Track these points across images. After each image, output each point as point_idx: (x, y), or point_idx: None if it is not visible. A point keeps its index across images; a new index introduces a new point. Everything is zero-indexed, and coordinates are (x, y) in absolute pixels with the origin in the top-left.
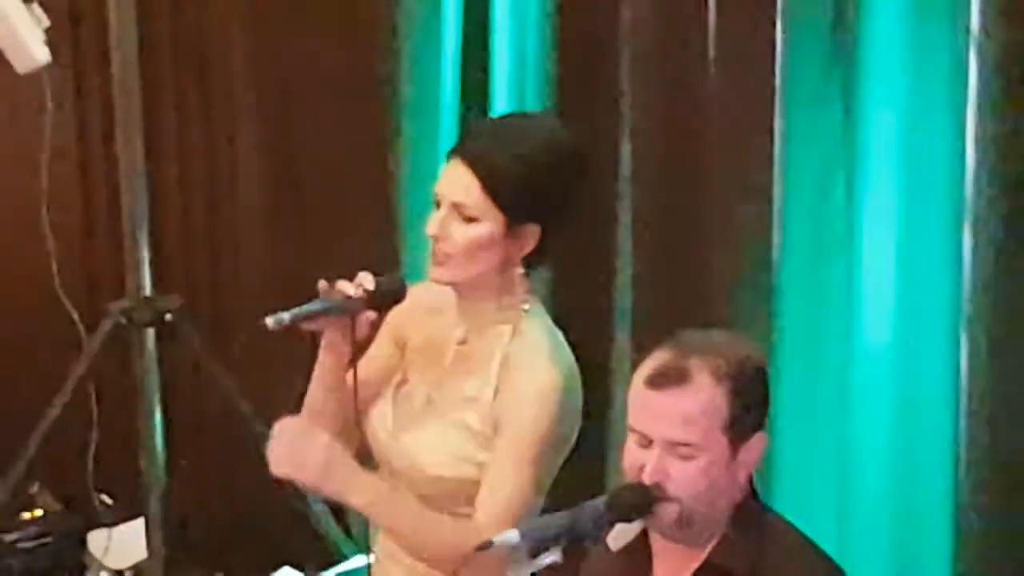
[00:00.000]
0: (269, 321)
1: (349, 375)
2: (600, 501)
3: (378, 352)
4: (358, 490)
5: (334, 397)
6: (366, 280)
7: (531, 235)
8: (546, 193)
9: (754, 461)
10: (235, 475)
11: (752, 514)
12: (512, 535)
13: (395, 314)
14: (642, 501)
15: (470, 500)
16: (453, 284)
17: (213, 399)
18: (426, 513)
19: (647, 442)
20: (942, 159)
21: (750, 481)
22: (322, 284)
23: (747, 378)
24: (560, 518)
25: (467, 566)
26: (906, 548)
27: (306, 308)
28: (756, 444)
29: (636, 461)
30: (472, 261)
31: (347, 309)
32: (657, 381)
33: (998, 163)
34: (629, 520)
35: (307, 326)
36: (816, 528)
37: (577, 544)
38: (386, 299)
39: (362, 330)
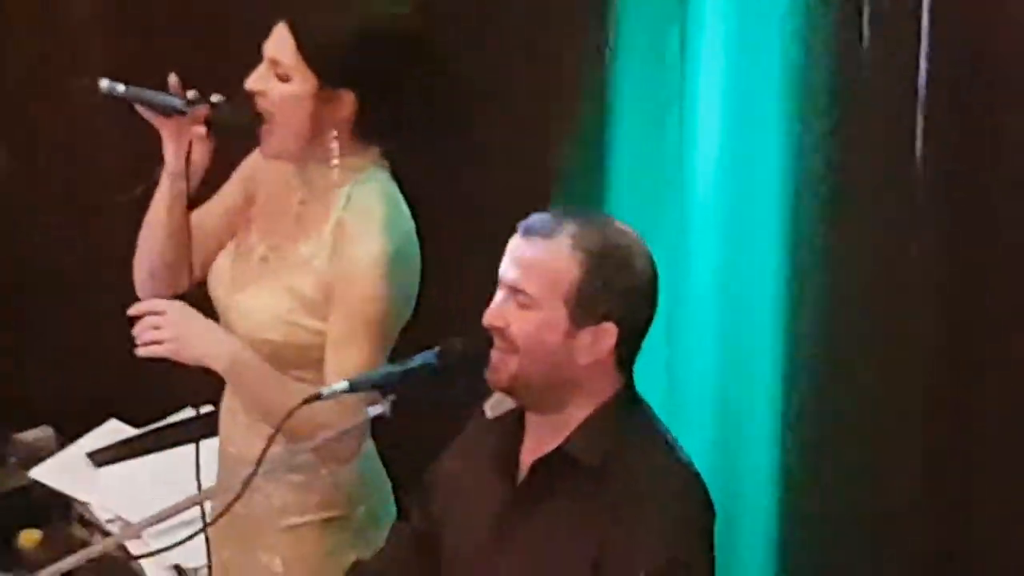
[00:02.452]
0: (103, 83)
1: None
2: (432, 352)
3: (223, 199)
4: (218, 356)
5: (169, 221)
6: (216, 96)
7: (346, 101)
8: (358, 59)
9: (603, 351)
10: (63, 327)
11: (618, 412)
12: (341, 385)
13: (250, 164)
14: (474, 351)
15: (300, 364)
16: (280, 156)
17: (38, 253)
18: (279, 380)
19: (501, 288)
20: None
21: (627, 383)
22: (173, 78)
23: (606, 261)
24: (392, 369)
25: (297, 421)
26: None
27: (142, 91)
28: (605, 334)
29: (488, 309)
30: (287, 121)
31: (178, 109)
32: (526, 229)
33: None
34: (460, 372)
35: (143, 112)
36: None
37: (412, 397)
38: (225, 121)
39: (197, 148)
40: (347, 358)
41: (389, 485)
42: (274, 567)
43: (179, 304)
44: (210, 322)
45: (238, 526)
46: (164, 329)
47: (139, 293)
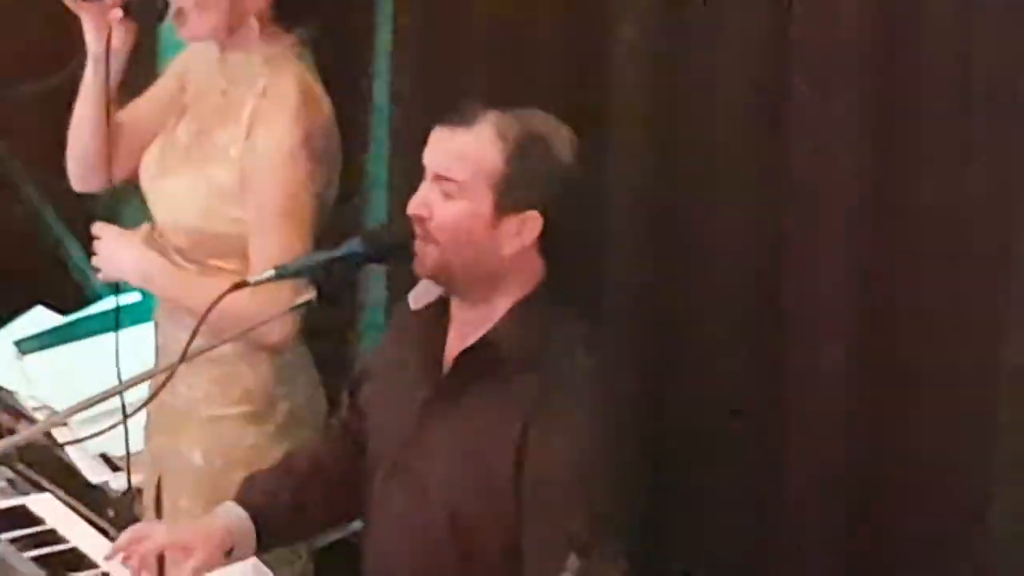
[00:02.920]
0: None
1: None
2: (358, 239)
3: (158, 90)
4: (133, 272)
5: (93, 109)
6: None
7: None
8: None
9: (527, 240)
10: None
11: (542, 303)
12: (268, 273)
13: (183, 57)
14: (400, 240)
15: (221, 253)
16: (198, 39)
17: None
18: (194, 282)
19: (426, 178)
20: None
21: (551, 273)
22: None
23: (529, 150)
24: (317, 256)
25: (222, 313)
26: None
27: None
28: (529, 223)
29: (413, 199)
30: (203, 13)
31: None
32: (448, 118)
33: None
34: (386, 260)
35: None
36: None
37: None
38: (143, 5)
39: (117, 33)
40: (267, 247)
41: (320, 389)
42: (194, 458)
43: (107, 228)
44: (125, 240)
45: (166, 415)
46: (98, 255)
47: (73, 186)
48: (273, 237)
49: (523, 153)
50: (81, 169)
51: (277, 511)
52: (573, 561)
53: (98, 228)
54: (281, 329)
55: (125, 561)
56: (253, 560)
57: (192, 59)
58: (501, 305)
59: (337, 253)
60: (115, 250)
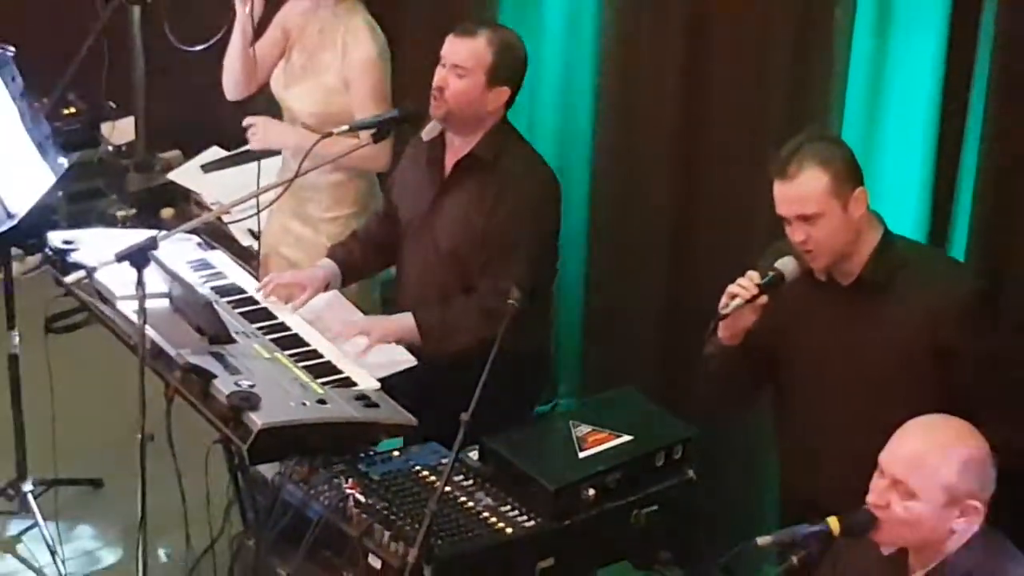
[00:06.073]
0: None
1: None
2: (395, 109)
3: (270, 37)
4: (286, 143)
5: (244, 52)
6: None
7: None
8: None
9: (500, 102)
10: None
11: (504, 129)
12: (343, 128)
13: (282, 13)
14: (422, 107)
15: (331, 124)
16: None
17: None
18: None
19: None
20: None
21: (506, 116)
22: None
23: (509, 51)
24: (375, 117)
25: (326, 150)
26: None
27: None
28: (501, 93)
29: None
30: None
31: None
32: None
33: None
34: (410, 119)
35: None
36: None
37: None
38: None
39: (256, 5)
40: (363, 113)
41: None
42: (321, 240)
43: (263, 118)
44: (274, 121)
45: (301, 213)
46: (255, 133)
47: (227, 95)
48: (364, 112)
49: (505, 51)
50: (231, 86)
51: (351, 261)
52: (515, 292)
53: (250, 119)
54: (382, 158)
55: (266, 293)
56: (334, 291)
57: (287, 15)
58: (479, 133)
59: (384, 116)
60: (269, 126)
